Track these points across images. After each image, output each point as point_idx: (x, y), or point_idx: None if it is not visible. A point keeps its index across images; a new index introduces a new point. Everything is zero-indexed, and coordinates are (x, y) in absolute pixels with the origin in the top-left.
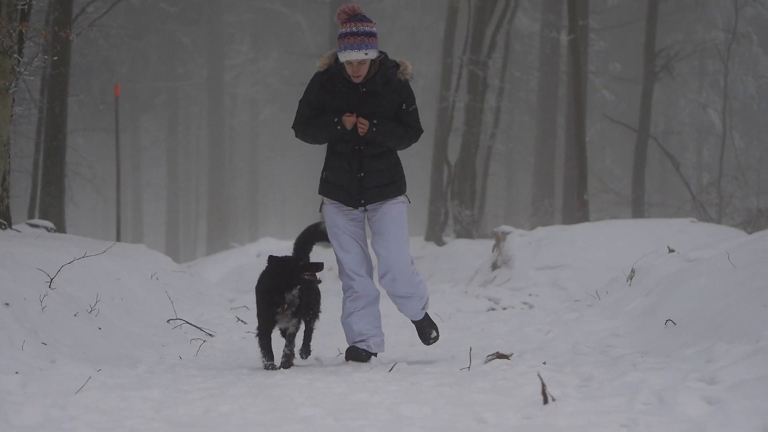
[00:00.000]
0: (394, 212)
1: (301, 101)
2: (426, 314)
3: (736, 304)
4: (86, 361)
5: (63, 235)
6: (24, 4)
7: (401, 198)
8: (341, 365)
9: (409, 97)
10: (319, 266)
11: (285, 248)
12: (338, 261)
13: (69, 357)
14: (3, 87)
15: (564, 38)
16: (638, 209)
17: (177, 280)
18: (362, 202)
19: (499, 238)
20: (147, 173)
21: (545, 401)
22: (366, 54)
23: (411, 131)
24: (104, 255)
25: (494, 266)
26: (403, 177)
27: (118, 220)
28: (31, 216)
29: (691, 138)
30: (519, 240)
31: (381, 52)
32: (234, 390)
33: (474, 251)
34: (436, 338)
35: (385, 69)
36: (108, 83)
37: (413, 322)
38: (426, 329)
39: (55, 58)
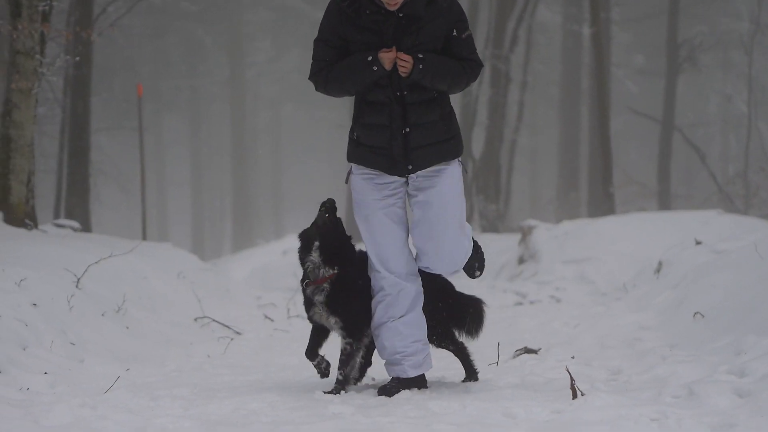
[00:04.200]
0: (448, 192)
1: (316, 41)
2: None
3: (764, 295)
4: (114, 361)
5: (89, 234)
6: (45, 6)
7: (457, 166)
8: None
9: (461, 20)
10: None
11: None
12: (367, 252)
13: (97, 356)
14: (26, 88)
15: (586, 31)
16: (664, 201)
17: (203, 278)
18: (410, 167)
19: (525, 232)
20: (172, 171)
21: (574, 396)
22: None
23: (468, 66)
24: (130, 254)
25: (521, 260)
26: (459, 132)
27: (143, 218)
28: (56, 216)
29: (717, 129)
30: (545, 234)
31: None
32: (263, 388)
33: (500, 246)
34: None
35: None
36: (130, 82)
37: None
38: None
39: (77, 58)
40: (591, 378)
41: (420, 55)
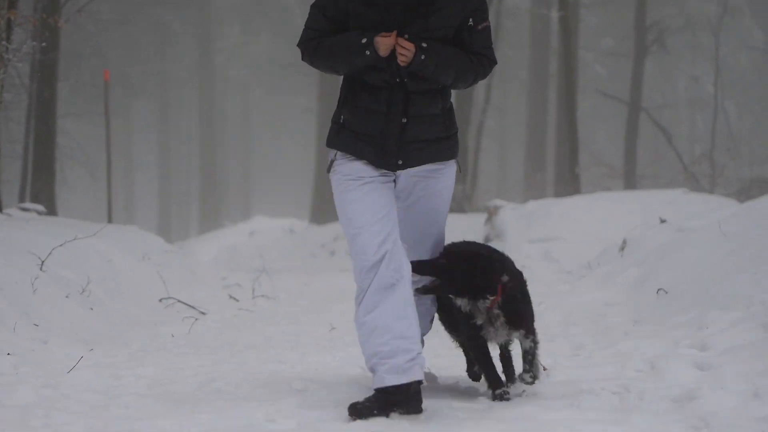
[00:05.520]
0: (437, 199)
1: (313, 6)
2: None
3: (727, 272)
4: (78, 342)
5: (54, 218)
6: None
7: (453, 167)
8: (334, 339)
9: (480, 9)
10: None
11: (277, 226)
12: (352, 241)
13: (61, 338)
14: None
15: (554, 14)
16: (630, 182)
17: (169, 260)
18: (399, 163)
19: (491, 212)
20: (139, 156)
21: None
22: None
23: (478, 61)
24: (96, 237)
25: (487, 240)
26: (457, 130)
27: (109, 201)
28: (22, 200)
29: (684, 110)
30: (511, 213)
31: None
32: (227, 367)
33: (466, 225)
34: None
35: None
36: (98, 68)
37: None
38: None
39: (44, 44)
40: (554, 353)
41: (424, 44)
